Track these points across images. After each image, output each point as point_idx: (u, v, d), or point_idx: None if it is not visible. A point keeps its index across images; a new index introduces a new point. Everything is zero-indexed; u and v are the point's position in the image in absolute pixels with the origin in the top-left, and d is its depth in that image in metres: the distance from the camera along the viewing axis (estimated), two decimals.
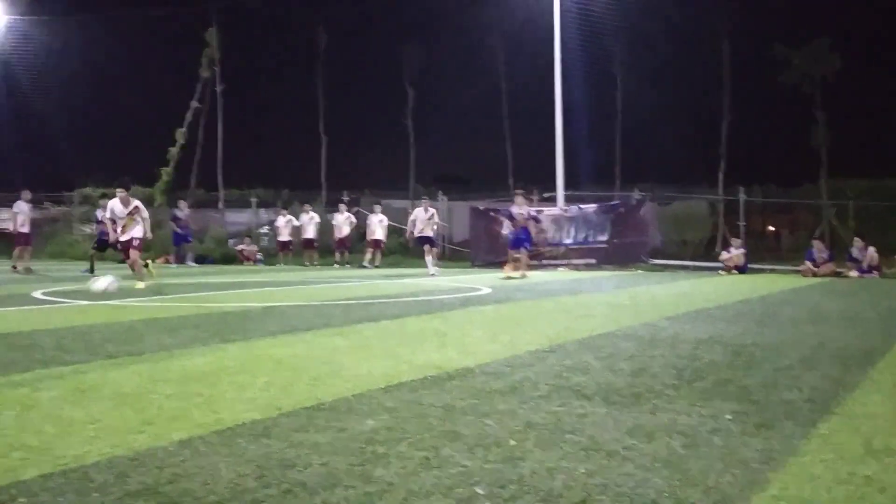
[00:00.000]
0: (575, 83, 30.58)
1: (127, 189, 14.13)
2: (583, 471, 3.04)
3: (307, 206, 27.14)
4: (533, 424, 3.77)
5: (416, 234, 21.15)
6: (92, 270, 17.66)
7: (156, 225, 31.69)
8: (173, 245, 26.35)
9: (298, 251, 26.88)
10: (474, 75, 37.59)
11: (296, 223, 26.65)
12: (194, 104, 32.86)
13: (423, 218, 20.91)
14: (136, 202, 14.21)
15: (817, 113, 32.77)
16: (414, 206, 27.03)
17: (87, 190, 33.86)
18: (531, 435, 3.58)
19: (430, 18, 37.64)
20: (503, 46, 36.32)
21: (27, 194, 20.43)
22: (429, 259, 20.28)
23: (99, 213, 19.71)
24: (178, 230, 26.05)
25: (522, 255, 18.37)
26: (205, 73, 33.29)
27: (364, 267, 23.89)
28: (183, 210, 26.16)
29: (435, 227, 21.62)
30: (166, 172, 32.80)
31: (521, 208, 18.68)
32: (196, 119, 33.19)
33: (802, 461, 3.20)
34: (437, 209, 22.06)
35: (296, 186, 33.78)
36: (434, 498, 2.74)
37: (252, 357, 5.82)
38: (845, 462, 3.18)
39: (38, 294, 11.85)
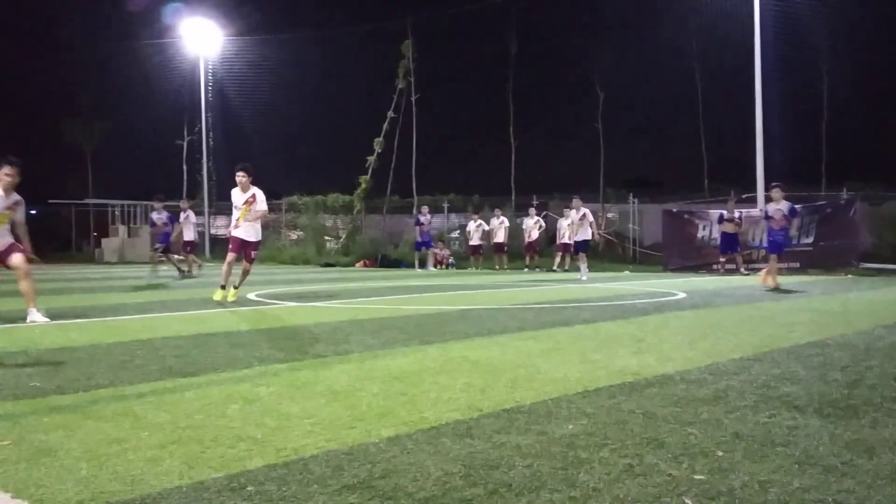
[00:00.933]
0: (776, 79, 29.05)
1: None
2: (797, 485, 2.90)
3: (497, 211, 27.43)
4: (741, 435, 3.64)
5: (568, 239, 20.77)
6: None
7: (355, 230, 33.51)
8: (415, 249, 26.57)
9: (489, 255, 27.22)
10: (667, 74, 36.67)
11: (486, 227, 26.99)
12: (391, 114, 34.16)
13: (576, 220, 20.16)
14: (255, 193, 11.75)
15: None
16: (604, 209, 26.64)
17: (294, 198, 36.08)
18: (739, 446, 3.46)
19: (621, 18, 37.10)
20: (697, 43, 35.21)
21: (185, 203, 22.22)
22: (582, 266, 19.51)
23: (154, 216, 20.36)
24: (418, 237, 26.21)
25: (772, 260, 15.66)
26: (401, 84, 34.52)
27: (554, 271, 23.85)
28: (425, 215, 26.25)
29: (591, 229, 20.72)
30: (365, 180, 34.31)
31: (777, 203, 15.11)
32: (392, 128, 34.48)
33: None
34: (587, 210, 20.88)
35: (486, 191, 34.35)
36: None
37: (450, 359, 5.98)
38: None
39: (251, 296, 12.74)
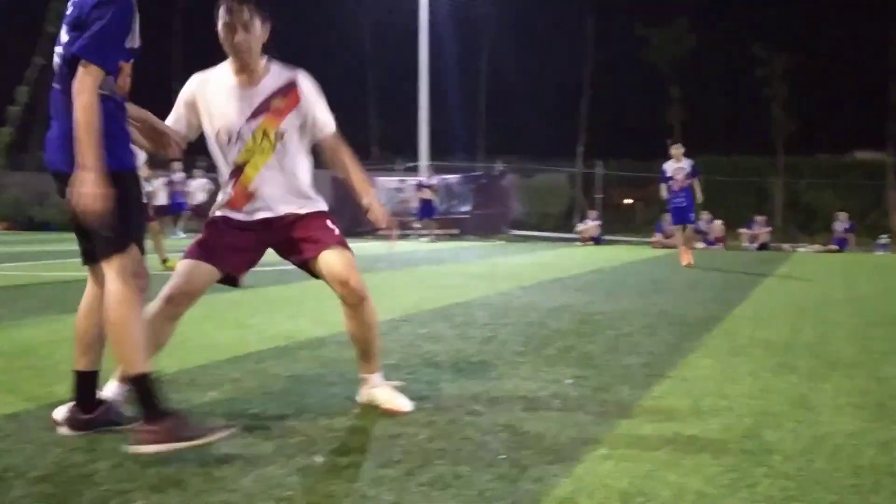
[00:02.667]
0: (440, 56, 30.65)
1: None
2: (423, 436, 3.07)
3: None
4: None
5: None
6: None
7: None
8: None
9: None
10: (335, 42, 37.07)
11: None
12: (38, 60, 30.71)
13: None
14: None
15: (673, 90, 34.29)
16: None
17: None
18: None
19: None
20: (365, 11, 35.93)
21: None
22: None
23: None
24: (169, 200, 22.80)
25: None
26: (50, 29, 31.22)
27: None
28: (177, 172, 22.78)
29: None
30: (6, 132, 30.62)
31: (679, 162, 13.55)
32: (41, 76, 31.09)
33: (633, 422, 3.35)
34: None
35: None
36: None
37: None
38: (672, 422, 3.35)
39: None
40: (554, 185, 31.77)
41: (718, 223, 21.64)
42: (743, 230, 22.59)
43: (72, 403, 3.07)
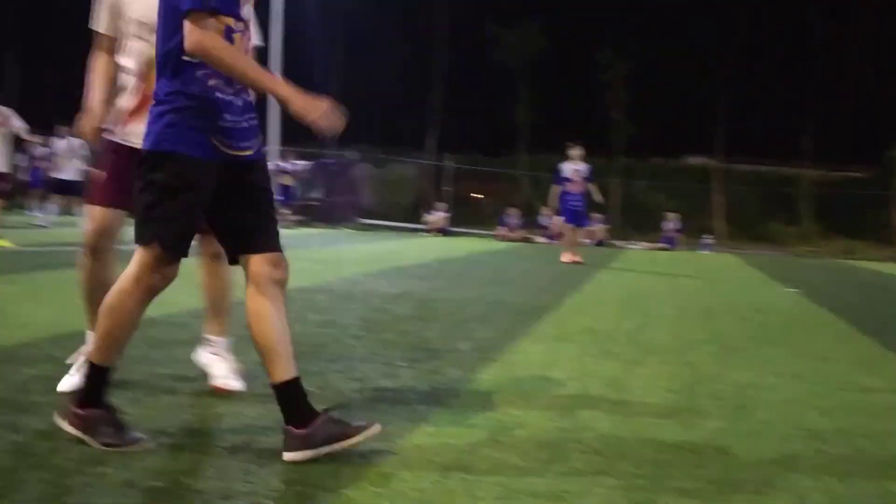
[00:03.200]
0: (297, 42, 30.14)
1: None
2: (251, 415, 3.07)
3: None
4: (203, 377, 3.73)
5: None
6: None
7: None
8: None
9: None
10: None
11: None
12: None
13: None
14: None
15: (521, 90, 35.23)
16: None
17: None
18: (201, 384, 3.54)
19: None
20: None
21: None
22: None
23: None
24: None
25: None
26: None
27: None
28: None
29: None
30: None
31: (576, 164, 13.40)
32: None
33: (460, 403, 3.48)
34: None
35: None
36: None
37: None
38: (497, 403, 3.49)
39: None
40: (405, 176, 32.04)
41: (559, 219, 22.45)
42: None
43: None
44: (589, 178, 13.37)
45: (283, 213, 22.16)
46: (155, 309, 5.33)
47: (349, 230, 22.46)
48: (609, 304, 7.43)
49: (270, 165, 23.35)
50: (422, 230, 23.19)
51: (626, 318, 6.53)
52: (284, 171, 22.21)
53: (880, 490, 2.67)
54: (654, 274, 11.91)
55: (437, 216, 23.17)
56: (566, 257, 13.04)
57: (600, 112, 34.73)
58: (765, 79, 34.16)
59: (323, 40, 34.55)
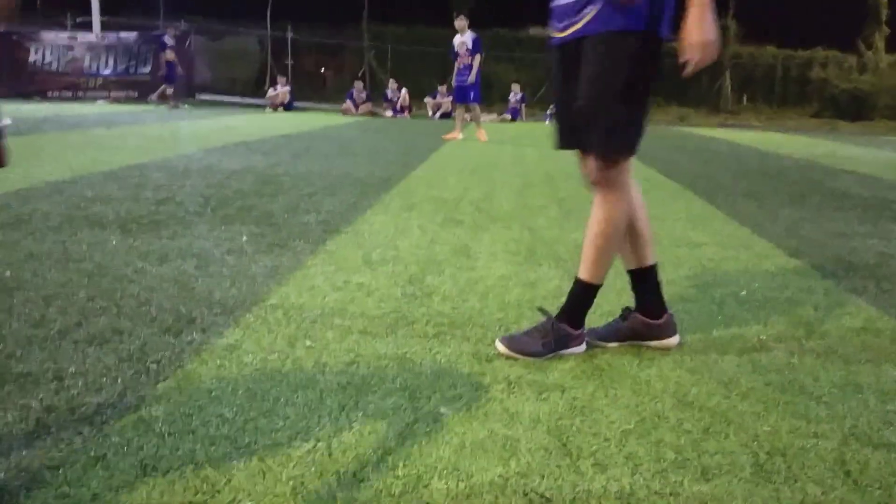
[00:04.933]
0: None
1: None
2: (82, 295, 2.91)
3: None
4: (36, 255, 3.50)
5: None
6: None
7: None
8: None
9: None
10: None
11: None
12: None
13: None
14: None
15: None
16: None
17: None
18: (33, 265, 3.32)
19: None
20: None
21: None
22: None
23: None
24: None
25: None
26: None
27: None
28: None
29: None
30: None
31: (462, 34, 12.71)
32: None
33: (306, 273, 3.43)
34: None
35: None
36: None
37: None
38: (343, 272, 3.47)
39: None
40: (243, 49, 30.48)
41: (404, 92, 22.20)
42: (427, 99, 23.37)
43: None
44: (474, 51, 12.54)
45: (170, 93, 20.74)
46: None
47: (185, 107, 21.36)
48: (455, 175, 7.48)
49: (88, 38, 21.68)
50: (264, 106, 22.36)
51: (471, 187, 6.60)
52: (168, 48, 20.50)
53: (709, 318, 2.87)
54: (499, 144, 12.05)
55: (279, 91, 22.35)
56: (481, 135, 12.67)
57: None
58: None
59: None
